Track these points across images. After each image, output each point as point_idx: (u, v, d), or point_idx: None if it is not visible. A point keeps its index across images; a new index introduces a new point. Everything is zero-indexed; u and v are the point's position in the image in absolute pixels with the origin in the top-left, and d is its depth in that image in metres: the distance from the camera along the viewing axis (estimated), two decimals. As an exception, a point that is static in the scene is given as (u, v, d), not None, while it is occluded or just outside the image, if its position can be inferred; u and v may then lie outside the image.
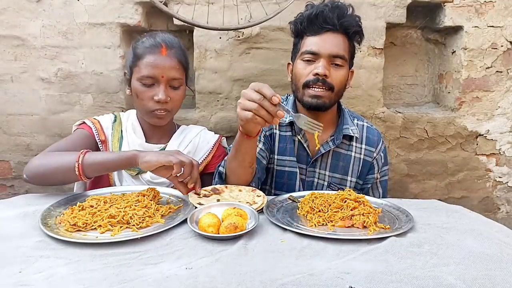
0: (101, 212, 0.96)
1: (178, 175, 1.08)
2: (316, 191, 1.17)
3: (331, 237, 0.88)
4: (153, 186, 1.19)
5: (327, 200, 1.06)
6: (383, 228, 0.94)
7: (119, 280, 0.70)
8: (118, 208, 0.97)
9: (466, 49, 1.90)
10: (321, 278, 0.71)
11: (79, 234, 0.89)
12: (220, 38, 1.84)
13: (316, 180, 1.44)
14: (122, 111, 1.72)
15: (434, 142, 2.01)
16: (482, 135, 2.00)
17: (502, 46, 1.90)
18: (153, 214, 0.99)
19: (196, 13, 1.72)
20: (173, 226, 0.92)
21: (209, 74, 1.87)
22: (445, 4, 1.86)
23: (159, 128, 1.41)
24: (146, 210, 0.98)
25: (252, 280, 0.70)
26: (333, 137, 1.42)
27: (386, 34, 1.88)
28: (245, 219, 0.95)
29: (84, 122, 1.40)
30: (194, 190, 1.12)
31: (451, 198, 2.07)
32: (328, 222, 0.98)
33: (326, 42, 1.31)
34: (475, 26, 1.88)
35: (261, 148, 1.37)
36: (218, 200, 1.09)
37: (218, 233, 0.88)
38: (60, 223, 0.93)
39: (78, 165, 1.12)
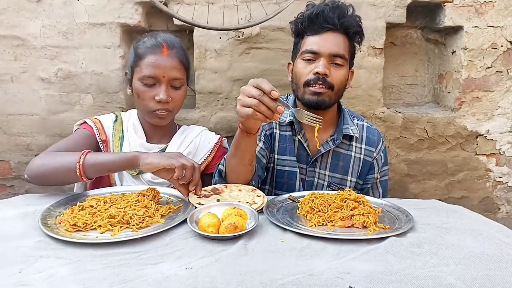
0: (101, 212, 0.96)
1: (179, 177, 1.07)
2: (316, 191, 1.17)
3: (331, 237, 0.88)
4: (153, 186, 1.19)
5: (327, 200, 1.06)
6: (383, 228, 0.94)
7: (119, 280, 0.70)
8: (118, 208, 0.97)
9: (466, 49, 1.90)
10: (321, 278, 0.71)
11: (79, 234, 0.89)
12: (220, 38, 1.84)
13: (316, 180, 1.44)
14: (122, 111, 1.72)
15: (434, 142, 2.01)
16: (482, 135, 2.00)
17: (502, 46, 1.90)
18: (153, 214, 0.99)
19: (196, 13, 1.72)
20: (173, 226, 0.92)
21: (209, 74, 1.87)
22: (445, 4, 1.86)
23: (160, 128, 1.41)
24: (146, 210, 0.98)
25: (252, 280, 0.70)
26: (333, 137, 1.42)
27: (386, 34, 1.88)
28: (245, 219, 0.95)
29: (85, 122, 1.40)
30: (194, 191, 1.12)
31: (451, 198, 2.07)
32: (328, 222, 0.98)
33: (326, 42, 1.31)
34: (475, 26, 1.88)
35: (261, 147, 1.37)
36: (218, 200, 1.09)
37: (218, 233, 0.88)
38: (60, 223, 0.93)
39: (79, 165, 1.12)
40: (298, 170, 1.41)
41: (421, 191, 2.08)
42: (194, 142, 1.43)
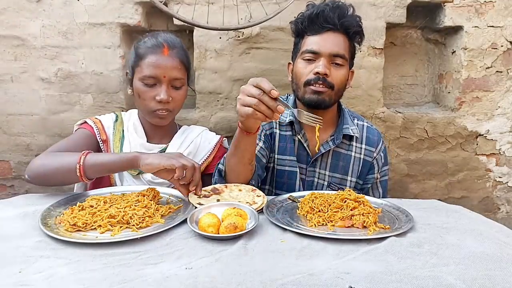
0: (101, 212, 0.96)
1: (180, 178, 1.07)
2: (316, 191, 1.17)
3: (331, 237, 0.88)
4: (154, 186, 1.19)
5: (327, 200, 1.06)
6: (383, 228, 0.94)
7: (119, 280, 0.70)
8: (118, 208, 0.97)
9: (466, 49, 1.90)
10: (321, 278, 0.71)
11: (79, 234, 0.89)
12: (220, 38, 1.84)
13: (316, 180, 1.44)
14: (123, 111, 1.72)
15: (434, 142, 2.01)
16: (482, 135, 2.00)
17: (502, 46, 1.90)
18: (153, 214, 0.99)
19: (196, 13, 1.72)
20: (173, 226, 0.92)
21: (209, 74, 1.87)
22: (445, 4, 1.86)
23: (160, 128, 1.41)
24: (146, 210, 0.98)
25: (252, 280, 0.70)
26: (333, 137, 1.42)
27: (386, 34, 1.88)
28: (245, 219, 0.95)
29: (85, 122, 1.40)
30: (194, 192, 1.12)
31: (451, 198, 2.07)
32: (328, 222, 0.98)
33: (326, 42, 1.31)
34: (475, 26, 1.88)
35: (261, 147, 1.37)
36: (218, 200, 1.09)
37: (218, 233, 0.88)
38: (60, 223, 0.93)
39: (80, 166, 1.11)
40: (298, 170, 1.41)
41: (421, 191, 2.08)
42: (195, 142, 1.43)
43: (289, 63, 1.49)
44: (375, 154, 1.46)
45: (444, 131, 1.99)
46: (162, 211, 1.01)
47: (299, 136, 1.42)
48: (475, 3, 1.86)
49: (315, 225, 0.96)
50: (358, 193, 1.10)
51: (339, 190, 1.18)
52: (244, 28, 1.74)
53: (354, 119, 1.48)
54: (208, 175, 1.39)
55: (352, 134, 1.41)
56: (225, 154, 1.29)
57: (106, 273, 0.72)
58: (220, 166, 1.30)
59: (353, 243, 0.87)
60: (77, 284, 0.69)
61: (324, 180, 1.44)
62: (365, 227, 0.95)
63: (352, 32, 1.34)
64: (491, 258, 0.79)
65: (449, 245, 0.85)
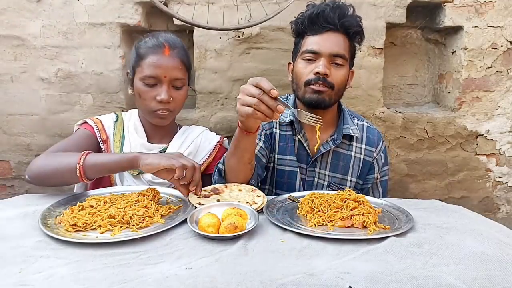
0: (101, 212, 0.96)
1: (180, 178, 1.07)
2: (316, 191, 1.17)
3: (331, 237, 0.88)
4: (154, 186, 1.19)
5: (327, 200, 1.06)
6: (383, 228, 0.94)
7: (119, 280, 0.70)
8: (118, 208, 0.97)
9: (466, 49, 1.90)
10: (321, 278, 0.71)
11: (79, 234, 0.89)
12: (220, 38, 1.84)
13: (316, 179, 1.44)
14: (123, 111, 1.72)
15: (434, 142, 2.01)
16: (482, 135, 2.00)
17: (502, 46, 1.90)
18: (153, 214, 0.99)
19: (196, 13, 1.72)
20: (173, 226, 0.92)
21: (209, 74, 1.87)
22: (445, 4, 1.86)
23: (161, 128, 1.41)
24: (146, 210, 0.98)
25: (252, 280, 0.70)
26: (333, 137, 1.42)
27: (386, 34, 1.88)
28: (245, 219, 0.95)
29: (85, 122, 1.39)
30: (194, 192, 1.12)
31: (451, 198, 2.07)
32: (328, 222, 0.98)
33: (326, 42, 1.31)
34: (475, 26, 1.88)
35: (261, 147, 1.37)
36: (218, 200, 1.09)
37: (218, 233, 0.88)
38: (60, 223, 0.93)
39: (80, 166, 1.11)
40: (298, 170, 1.42)
41: (421, 191, 2.08)
42: (195, 143, 1.43)
43: (289, 63, 1.49)
44: (375, 154, 1.46)
45: (444, 131, 1.99)
46: (162, 211, 1.01)
47: (299, 136, 1.42)
48: (475, 3, 1.86)
49: (315, 225, 0.96)
50: (358, 193, 1.10)
51: (339, 190, 1.18)
52: (244, 28, 1.74)
53: (354, 119, 1.48)
54: (208, 175, 1.39)
55: (352, 134, 1.41)
56: (225, 154, 1.29)
57: (106, 273, 0.72)
58: (220, 165, 1.30)
59: (353, 243, 0.87)
60: (77, 284, 0.69)
61: (324, 180, 1.44)
62: (365, 227, 0.95)
63: (352, 32, 1.34)
64: (491, 258, 0.79)
65: (449, 245, 0.85)
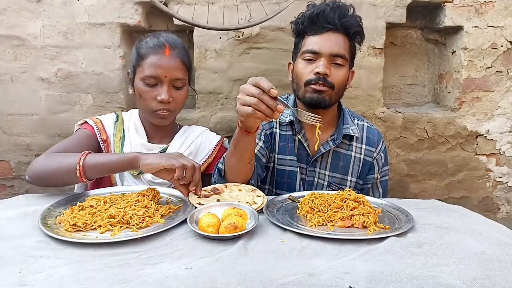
0: (101, 212, 0.96)
1: (180, 178, 1.07)
2: (316, 191, 1.17)
3: (331, 237, 0.88)
4: (154, 186, 1.19)
5: (327, 200, 1.06)
6: (383, 228, 0.94)
7: (119, 280, 0.70)
8: (118, 208, 0.97)
9: (466, 49, 1.90)
10: (321, 278, 0.71)
11: (79, 234, 0.89)
12: (220, 38, 1.84)
13: (316, 179, 1.44)
14: (123, 111, 1.72)
15: (434, 142, 2.01)
16: (482, 135, 2.00)
17: (502, 46, 1.90)
18: (153, 214, 0.99)
19: (196, 13, 1.72)
20: (173, 226, 0.92)
21: (209, 74, 1.87)
22: (445, 4, 1.86)
23: (161, 128, 1.41)
24: (146, 210, 0.98)
25: (252, 280, 0.70)
26: (333, 137, 1.42)
27: (386, 34, 1.88)
28: (245, 219, 0.95)
29: (86, 122, 1.39)
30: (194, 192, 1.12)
31: (451, 198, 2.07)
32: (328, 222, 0.98)
33: (327, 42, 1.31)
34: (475, 26, 1.88)
35: (261, 146, 1.37)
36: (218, 200, 1.09)
37: (218, 233, 0.88)
38: (60, 223, 0.93)
39: (79, 167, 1.11)
40: (298, 170, 1.42)
41: (421, 191, 2.08)
42: (195, 143, 1.43)
43: (290, 63, 1.49)
44: (375, 154, 1.46)
45: (444, 131, 1.99)
46: (162, 211, 1.01)
47: (299, 136, 1.42)
48: (475, 3, 1.86)
49: (315, 225, 0.96)
50: (358, 193, 1.10)
51: (339, 190, 1.19)
52: (244, 28, 1.74)
53: (354, 119, 1.48)
54: (208, 175, 1.39)
55: (352, 134, 1.41)
56: (225, 153, 1.29)
57: (106, 273, 0.72)
58: (219, 165, 1.30)
59: (353, 243, 0.87)
60: (77, 284, 0.69)
61: (324, 180, 1.44)
62: (365, 227, 0.95)
63: (353, 32, 1.34)
64: (491, 258, 0.79)
65: (449, 245, 0.85)
